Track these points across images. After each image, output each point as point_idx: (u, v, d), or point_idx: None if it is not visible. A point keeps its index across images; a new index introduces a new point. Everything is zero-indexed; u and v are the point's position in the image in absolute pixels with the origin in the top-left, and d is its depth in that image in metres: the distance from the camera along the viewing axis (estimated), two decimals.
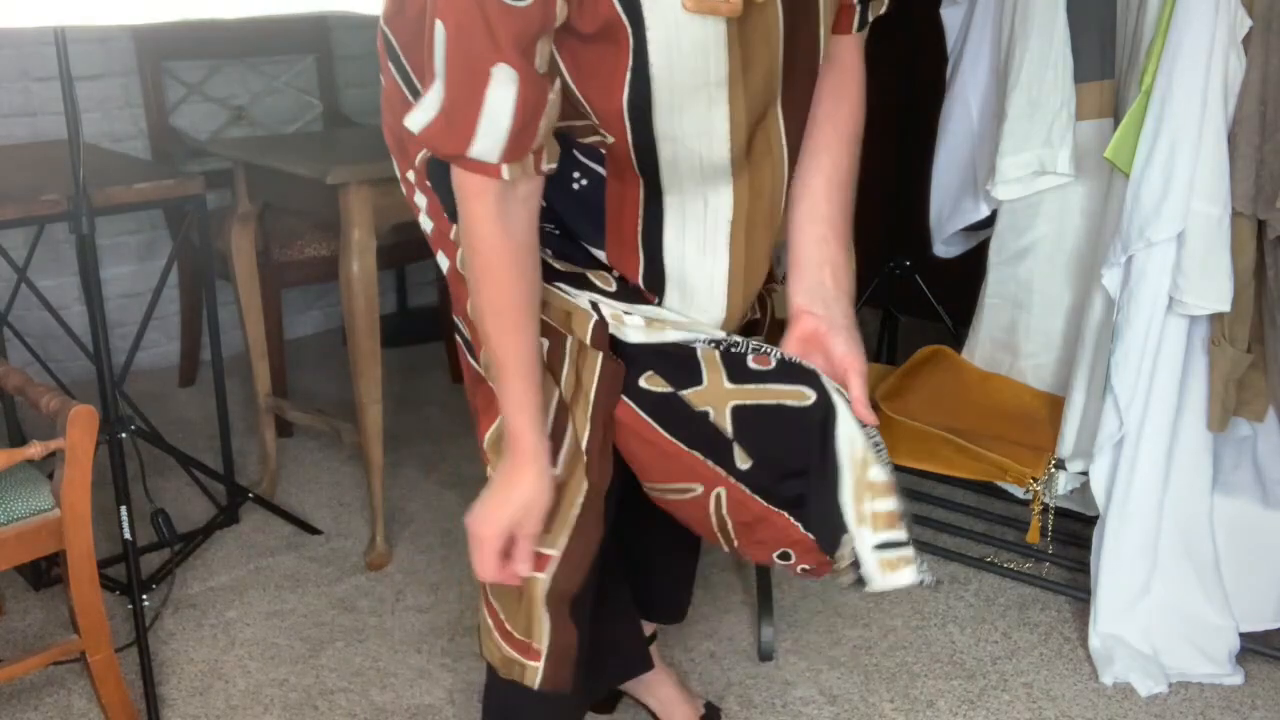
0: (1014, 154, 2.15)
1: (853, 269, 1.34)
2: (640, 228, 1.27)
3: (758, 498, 1.29)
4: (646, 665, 1.80)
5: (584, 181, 1.25)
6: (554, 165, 1.17)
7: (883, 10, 1.31)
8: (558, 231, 1.29)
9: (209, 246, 2.49)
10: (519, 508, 1.25)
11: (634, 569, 1.72)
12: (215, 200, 2.77)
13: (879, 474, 1.25)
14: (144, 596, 2.05)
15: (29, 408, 1.80)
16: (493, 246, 1.16)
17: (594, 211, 1.27)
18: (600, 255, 1.30)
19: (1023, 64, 2.12)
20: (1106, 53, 2.08)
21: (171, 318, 3.34)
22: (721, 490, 1.30)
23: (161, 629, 2.14)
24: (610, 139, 1.19)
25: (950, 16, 2.42)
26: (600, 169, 1.25)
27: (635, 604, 1.78)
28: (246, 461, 2.79)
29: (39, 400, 1.70)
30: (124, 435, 2.06)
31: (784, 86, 1.21)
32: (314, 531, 2.50)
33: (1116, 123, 1.98)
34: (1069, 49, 2.09)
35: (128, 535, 2.01)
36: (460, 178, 1.14)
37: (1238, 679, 1.98)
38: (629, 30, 1.07)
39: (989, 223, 2.39)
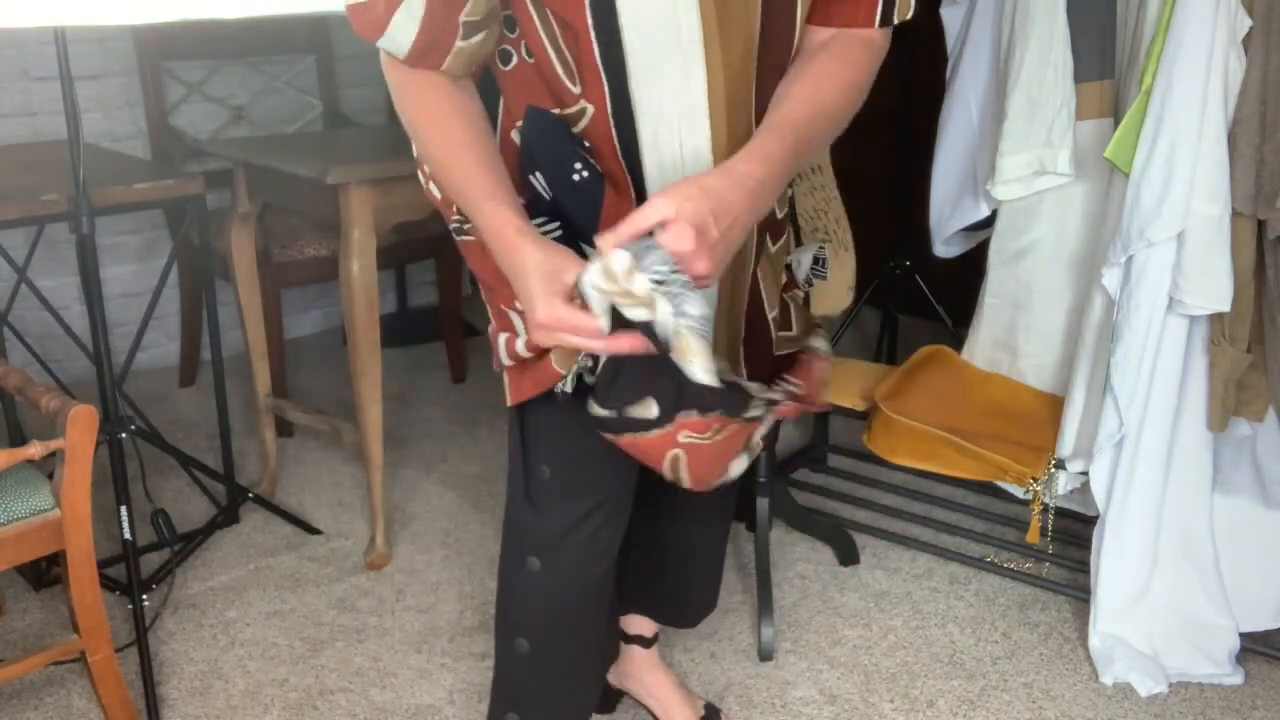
0: (1014, 154, 2.15)
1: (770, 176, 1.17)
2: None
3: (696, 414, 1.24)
4: (616, 652, 1.82)
5: (585, 174, 1.25)
6: (472, 74, 1.23)
7: (909, 15, 1.26)
8: (560, 233, 1.29)
9: (209, 246, 2.49)
10: (541, 274, 1.12)
11: (648, 566, 1.72)
12: (215, 200, 2.77)
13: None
14: (144, 596, 2.05)
15: (29, 408, 1.80)
16: (419, 91, 1.21)
17: (591, 205, 1.26)
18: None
19: (1023, 64, 2.12)
20: (1106, 53, 2.08)
21: (171, 318, 3.34)
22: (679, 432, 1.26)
23: (161, 629, 2.14)
24: (591, 109, 1.19)
25: (950, 16, 2.42)
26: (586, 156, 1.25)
27: (648, 604, 1.80)
28: (246, 461, 2.79)
29: (39, 400, 1.70)
30: (124, 435, 2.05)
31: (760, 54, 1.20)
32: (314, 531, 2.50)
33: (1116, 123, 1.98)
34: (1069, 49, 2.09)
35: (128, 535, 2.01)
36: None
37: (1238, 679, 1.98)
38: None
39: (989, 223, 2.39)
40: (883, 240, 3.01)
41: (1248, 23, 1.78)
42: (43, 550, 1.69)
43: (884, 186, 3.02)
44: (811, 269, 1.58)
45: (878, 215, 2.93)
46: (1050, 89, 2.10)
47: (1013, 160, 2.16)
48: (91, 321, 2.04)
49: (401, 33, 1.16)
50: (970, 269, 2.47)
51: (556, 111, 1.22)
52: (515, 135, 1.27)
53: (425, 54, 1.17)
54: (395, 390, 3.22)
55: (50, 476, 1.70)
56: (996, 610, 2.21)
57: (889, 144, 3.07)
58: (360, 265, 2.20)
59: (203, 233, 2.39)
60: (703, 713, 1.86)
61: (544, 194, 1.26)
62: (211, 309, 2.47)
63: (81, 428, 1.63)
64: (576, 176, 1.25)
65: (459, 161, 1.21)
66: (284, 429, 2.89)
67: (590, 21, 1.13)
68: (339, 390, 3.21)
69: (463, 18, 1.15)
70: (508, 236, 1.16)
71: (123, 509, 2.02)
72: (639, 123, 1.19)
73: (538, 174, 1.25)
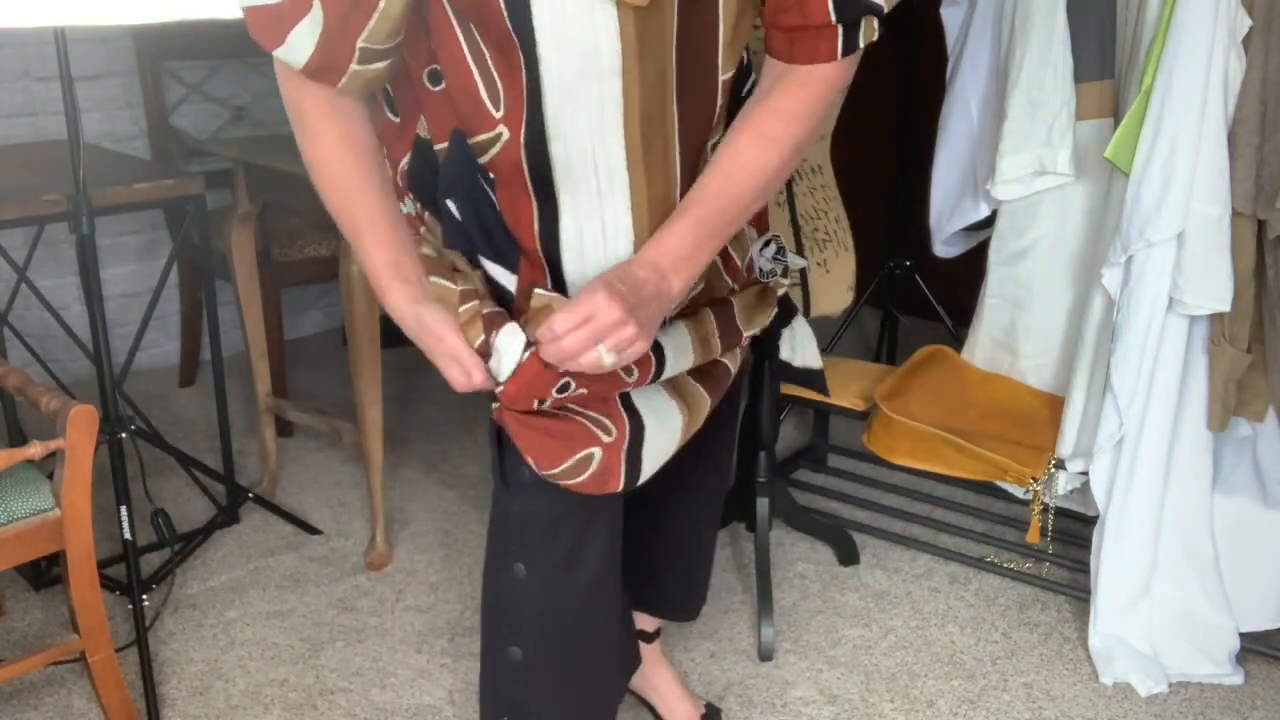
0: (1014, 154, 2.15)
1: (692, 258, 1.22)
2: (538, 235, 1.25)
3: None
4: (638, 661, 1.81)
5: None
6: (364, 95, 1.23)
7: (875, 38, 1.20)
8: (486, 260, 1.29)
9: (209, 246, 2.49)
10: (444, 361, 1.27)
11: (650, 564, 1.72)
12: (215, 200, 2.77)
13: None
14: (144, 596, 2.05)
15: (29, 408, 1.80)
16: (308, 112, 1.22)
17: (497, 234, 1.26)
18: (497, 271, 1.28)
19: (1023, 64, 2.12)
20: (1106, 53, 2.08)
21: (171, 318, 3.34)
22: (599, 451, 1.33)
23: (161, 629, 2.14)
24: (506, 134, 1.17)
25: (950, 16, 2.42)
26: (490, 191, 1.24)
27: (651, 599, 1.79)
28: (246, 461, 2.79)
29: (39, 400, 1.70)
30: (124, 435, 2.05)
31: (678, 81, 1.18)
32: (314, 531, 2.50)
33: (1116, 123, 1.98)
34: (1069, 49, 2.09)
35: (128, 535, 2.01)
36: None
37: (1238, 679, 1.98)
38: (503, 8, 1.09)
39: (989, 223, 2.39)
40: (883, 240, 3.01)
41: (1248, 23, 1.78)
42: (43, 550, 1.69)
43: (884, 186, 3.02)
44: (774, 258, 1.53)
45: (878, 215, 2.93)
46: (1050, 89, 2.10)
47: (1013, 160, 2.16)
48: (91, 321, 2.04)
49: (300, 46, 1.14)
50: (970, 269, 2.47)
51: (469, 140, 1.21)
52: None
53: (322, 71, 1.16)
54: (395, 390, 3.22)
55: (50, 476, 1.70)
56: (996, 610, 2.21)
57: (889, 144, 3.07)
58: (360, 265, 2.19)
59: (203, 233, 2.39)
60: (703, 712, 1.86)
61: (458, 219, 1.26)
62: (211, 309, 2.47)
63: (81, 428, 1.63)
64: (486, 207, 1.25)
65: (363, 209, 1.24)
66: (284, 429, 2.89)
67: (516, 41, 1.11)
68: (339, 390, 3.21)
69: (359, 43, 1.14)
70: (413, 311, 1.25)
71: (123, 509, 2.02)
72: (551, 146, 1.17)
73: (451, 201, 1.25)
